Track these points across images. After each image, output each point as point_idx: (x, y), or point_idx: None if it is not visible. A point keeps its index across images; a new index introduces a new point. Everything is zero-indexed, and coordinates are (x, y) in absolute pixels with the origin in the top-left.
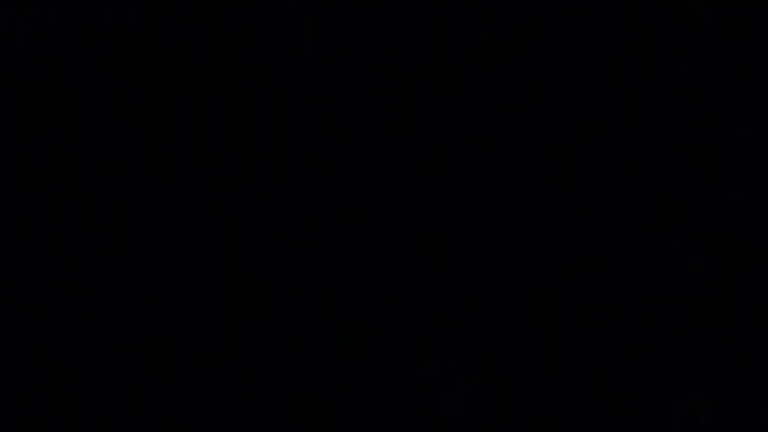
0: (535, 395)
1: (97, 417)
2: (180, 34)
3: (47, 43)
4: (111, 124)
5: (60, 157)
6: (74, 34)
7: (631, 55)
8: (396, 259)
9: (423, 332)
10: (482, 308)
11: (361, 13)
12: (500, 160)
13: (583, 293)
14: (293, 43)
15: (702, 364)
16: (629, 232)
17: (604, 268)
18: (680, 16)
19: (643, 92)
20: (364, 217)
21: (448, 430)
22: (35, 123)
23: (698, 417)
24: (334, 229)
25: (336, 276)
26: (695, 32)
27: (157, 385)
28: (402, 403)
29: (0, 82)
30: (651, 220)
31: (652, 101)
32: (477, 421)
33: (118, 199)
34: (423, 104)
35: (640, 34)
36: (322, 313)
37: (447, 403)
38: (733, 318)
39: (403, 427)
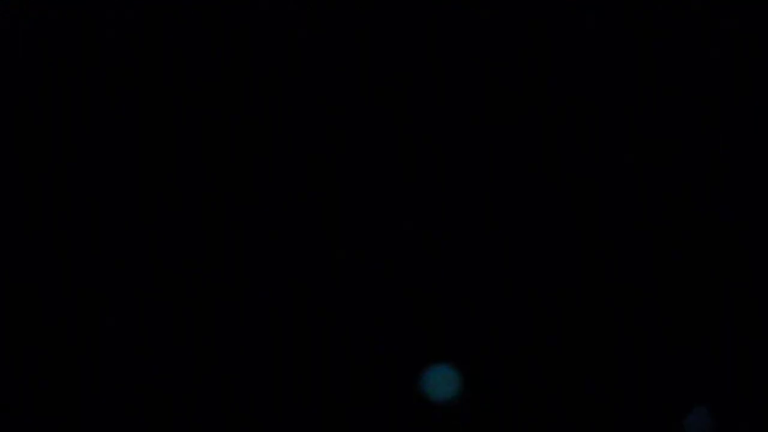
0: (535, 396)
1: (97, 417)
2: (180, 34)
3: (47, 43)
4: (111, 123)
5: (60, 157)
6: (74, 34)
7: (631, 55)
8: (395, 260)
9: (423, 332)
10: (482, 309)
11: (360, 13)
12: (498, 161)
13: (584, 294)
14: (293, 43)
15: (701, 365)
16: (630, 232)
17: (605, 270)
18: (680, 16)
19: (643, 92)
20: (364, 218)
21: (447, 430)
22: (35, 123)
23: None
24: (334, 229)
25: (336, 277)
26: (695, 32)
27: (157, 385)
28: (403, 403)
29: (0, 82)
30: (651, 220)
31: (652, 101)
32: (477, 421)
33: (117, 198)
34: (422, 104)
35: (640, 34)
36: (322, 314)
37: (447, 402)
38: (735, 319)
39: (404, 426)
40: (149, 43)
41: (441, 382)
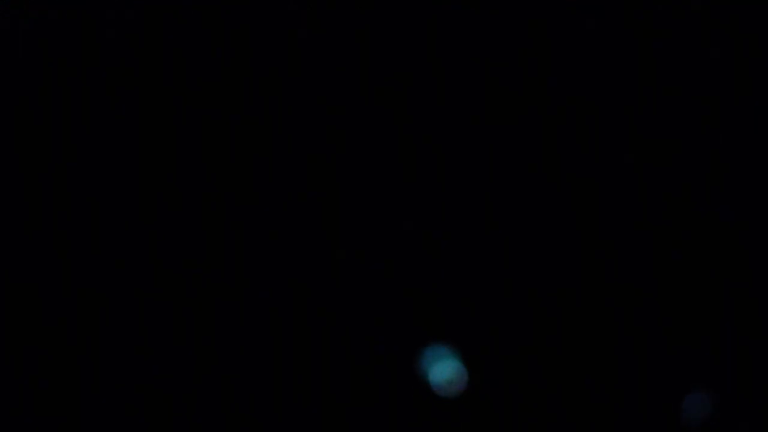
0: (535, 395)
1: (96, 417)
2: (180, 34)
3: (47, 43)
4: (111, 123)
5: (60, 157)
6: (74, 34)
7: (631, 55)
8: (396, 260)
9: (423, 332)
10: (482, 308)
11: (360, 13)
12: (498, 161)
13: (583, 293)
14: (293, 43)
15: (701, 362)
16: (630, 232)
17: (605, 269)
18: (680, 16)
19: (643, 92)
20: (364, 218)
21: (447, 430)
22: (35, 123)
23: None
24: (334, 229)
25: (336, 277)
26: (695, 32)
27: (157, 385)
28: (403, 403)
29: (0, 82)
30: (651, 220)
31: (652, 101)
32: (477, 421)
33: (117, 198)
34: (422, 104)
35: (640, 34)
36: (322, 314)
37: (446, 402)
38: (735, 316)
39: (404, 426)
40: (149, 43)
41: (444, 373)
